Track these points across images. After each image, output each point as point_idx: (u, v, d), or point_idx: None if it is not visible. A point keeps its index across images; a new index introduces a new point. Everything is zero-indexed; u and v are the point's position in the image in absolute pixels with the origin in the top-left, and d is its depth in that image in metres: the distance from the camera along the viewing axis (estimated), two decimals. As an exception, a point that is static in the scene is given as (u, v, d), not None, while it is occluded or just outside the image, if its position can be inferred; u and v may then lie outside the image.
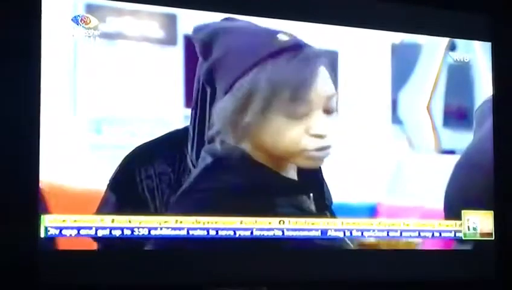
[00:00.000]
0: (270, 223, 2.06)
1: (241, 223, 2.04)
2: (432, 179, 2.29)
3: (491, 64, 2.41)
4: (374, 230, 2.21)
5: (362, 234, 2.20)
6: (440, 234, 2.28)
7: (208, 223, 2.01)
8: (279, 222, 2.07)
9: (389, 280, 2.21)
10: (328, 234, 2.14)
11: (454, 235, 2.30)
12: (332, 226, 2.15)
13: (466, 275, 2.29)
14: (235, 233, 2.03)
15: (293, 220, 2.08)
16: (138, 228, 1.95)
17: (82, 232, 1.91)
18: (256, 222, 2.05)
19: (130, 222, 1.95)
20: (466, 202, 2.32)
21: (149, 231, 1.96)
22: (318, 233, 2.13)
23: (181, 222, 1.98)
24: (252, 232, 2.05)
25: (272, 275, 2.10)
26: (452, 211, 2.30)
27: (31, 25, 1.92)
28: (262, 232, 2.06)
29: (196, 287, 2.03)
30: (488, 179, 2.35)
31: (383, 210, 2.24)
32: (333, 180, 2.16)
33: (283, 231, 2.08)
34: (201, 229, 2.00)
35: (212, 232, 2.01)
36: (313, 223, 2.12)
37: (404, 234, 2.25)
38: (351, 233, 2.18)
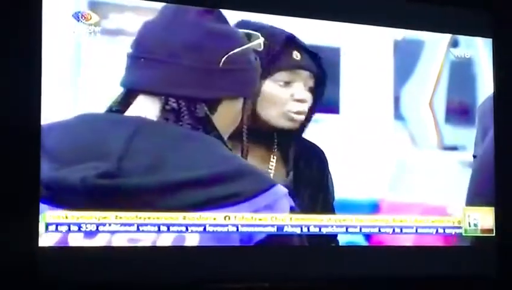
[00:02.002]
0: (215, 218, 1.99)
1: (184, 218, 1.97)
2: (434, 175, 2.30)
3: (492, 60, 2.41)
4: (375, 227, 2.21)
5: (360, 230, 2.20)
6: (441, 231, 2.29)
7: (149, 218, 1.95)
8: (225, 217, 2.00)
9: (388, 277, 2.21)
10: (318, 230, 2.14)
11: (455, 231, 2.31)
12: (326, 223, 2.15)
13: (466, 271, 2.30)
14: (187, 229, 1.98)
15: (239, 215, 2.01)
16: (146, 224, 1.95)
17: (84, 228, 1.91)
18: (200, 217, 1.98)
19: (138, 217, 1.93)
20: (467, 198, 2.33)
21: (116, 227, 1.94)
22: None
23: (120, 218, 1.93)
24: (205, 229, 1.99)
25: (274, 272, 2.10)
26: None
27: (31, 22, 1.91)
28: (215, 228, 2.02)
29: (198, 283, 2.03)
30: (489, 175, 2.35)
31: (385, 206, 2.24)
32: (335, 176, 2.16)
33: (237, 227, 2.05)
34: (151, 225, 1.95)
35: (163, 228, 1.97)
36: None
37: (404, 230, 2.25)
38: (346, 229, 2.18)
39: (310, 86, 2.10)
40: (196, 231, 1.98)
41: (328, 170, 2.16)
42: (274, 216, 2.05)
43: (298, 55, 2.07)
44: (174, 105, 1.86)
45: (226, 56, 1.90)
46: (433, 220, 2.28)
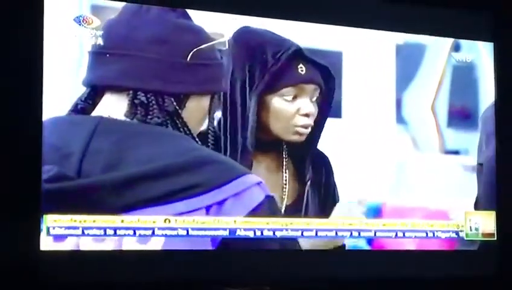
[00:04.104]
0: (154, 221, 1.93)
1: (154, 222, 1.92)
2: (435, 179, 2.30)
3: (493, 64, 2.41)
4: (377, 231, 2.21)
5: (359, 234, 2.20)
6: (442, 235, 2.29)
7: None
8: (165, 220, 1.93)
9: (390, 281, 2.21)
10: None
11: (456, 235, 2.30)
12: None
13: (468, 275, 2.30)
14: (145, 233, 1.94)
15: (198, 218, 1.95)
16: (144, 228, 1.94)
17: (86, 232, 1.90)
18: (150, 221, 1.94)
19: (139, 221, 1.92)
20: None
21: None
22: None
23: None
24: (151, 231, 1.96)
25: (275, 275, 2.10)
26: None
27: (33, 26, 1.91)
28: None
29: (198, 286, 2.03)
30: (490, 179, 2.36)
31: (387, 210, 2.24)
32: (337, 180, 2.17)
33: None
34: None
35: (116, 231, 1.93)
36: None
37: (406, 234, 2.25)
38: (351, 233, 2.18)
39: (316, 98, 2.11)
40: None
41: (333, 175, 2.17)
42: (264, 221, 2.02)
43: (303, 68, 2.07)
44: (143, 98, 1.85)
45: (194, 50, 1.89)
46: (435, 224, 2.27)
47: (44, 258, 1.88)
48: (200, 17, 2.00)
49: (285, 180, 2.12)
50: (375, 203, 2.24)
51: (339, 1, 2.27)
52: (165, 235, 1.94)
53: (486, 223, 2.34)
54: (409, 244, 2.26)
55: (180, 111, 1.89)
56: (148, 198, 1.85)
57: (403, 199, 2.27)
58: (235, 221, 1.99)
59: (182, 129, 1.89)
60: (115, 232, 1.91)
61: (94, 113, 1.87)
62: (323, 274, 2.16)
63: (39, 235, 1.87)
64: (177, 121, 1.88)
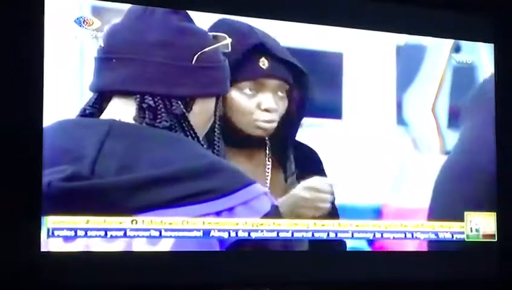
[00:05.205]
0: (121, 222, 1.92)
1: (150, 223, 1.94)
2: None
3: (494, 65, 2.41)
4: (378, 232, 2.21)
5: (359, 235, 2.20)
6: (442, 235, 2.29)
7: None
8: (132, 221, 1.92)
9: (390, 282, 2.22)
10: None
11: (457, 236, 2.30)
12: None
13: (468, 276, 2.30)
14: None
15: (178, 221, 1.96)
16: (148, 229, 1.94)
17: (87, 233, 1.90)
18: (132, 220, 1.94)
19: (152, 222, 1.93)
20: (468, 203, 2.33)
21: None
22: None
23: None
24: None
25: (275, 276, 2.10)
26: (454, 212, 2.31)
27: (34, 27, 1.91)
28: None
29: (198, 287, 2.03)
30: (490, 180, 2.36)
31: (388, 212, 2.25)
32: (337, 181, 2.16)
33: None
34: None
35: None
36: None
37: (406, 235, 2.25)
38: (352, 234, 2.18)
39: (281, 95, 2.08)
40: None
41: (324, 170, 2.16)
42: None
43: (266, 63, 2.05)
44: (151, 102, 1.86)
45: (199, 53, 1.90)
46: (435, 226, 2.27)
47: (45, 260, 1.88)
48: (202, 19, 2.01)
49: (267, 173, 2.11)
50: (376, 204, 2.24)
51: (339, 2, 2.27)
52: (176, 237, 1.96)
53: (486, 224, 2.35)
54: (410, 246, 2.26)
55: (187, 114, 1.90)
56: (158, 202, 1.86)
57: (403, 200, 2.27)
58: (237, 223, 2.00)
59: (188, 132, 1.90)
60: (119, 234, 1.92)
61: (103, 118, 1.88)
62: (323, 275, 2.16)
63: (40, 236, 1.87)
64: (184, 125, 1.89)
